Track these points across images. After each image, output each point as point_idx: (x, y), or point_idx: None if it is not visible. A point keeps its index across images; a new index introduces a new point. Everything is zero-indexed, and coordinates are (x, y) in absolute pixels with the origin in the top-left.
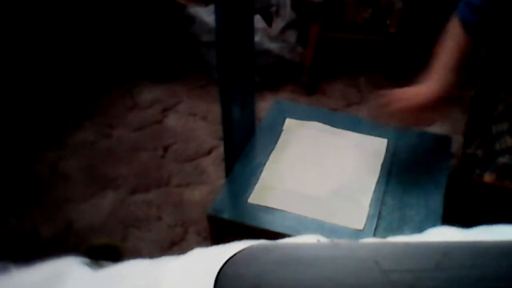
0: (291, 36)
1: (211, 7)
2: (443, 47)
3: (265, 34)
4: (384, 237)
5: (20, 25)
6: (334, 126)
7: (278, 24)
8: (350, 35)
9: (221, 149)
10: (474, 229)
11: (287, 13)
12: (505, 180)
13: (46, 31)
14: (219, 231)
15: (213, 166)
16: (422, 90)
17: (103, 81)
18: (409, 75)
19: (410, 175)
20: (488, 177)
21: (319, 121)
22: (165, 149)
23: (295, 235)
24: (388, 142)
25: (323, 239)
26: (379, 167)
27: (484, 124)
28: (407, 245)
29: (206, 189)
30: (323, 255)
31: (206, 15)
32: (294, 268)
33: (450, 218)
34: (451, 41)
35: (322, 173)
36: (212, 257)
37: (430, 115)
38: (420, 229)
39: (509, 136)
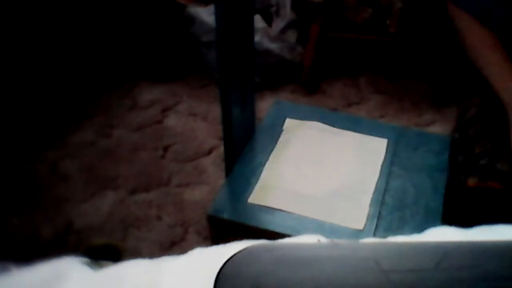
0: (291, 36)
1: (211, 7)
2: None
3: (265, 34)
4: (384, 237)
5: (20, 25)
6: (334, 126)
7: (278, 24)
8: (350, 35)
9: (221, 149)
10: (474, 229)
11: (287, 13)
12: (487, 181)
13: (46, 31)
14: (219, 231)
15: (213, 166)
16: None
17: (103, 81)
18: (409, 75)
19: (410, 175)
20: (471, 181)
21: (319, 121)
22: (165, 149)
23: (295, 235)
24: (388, 142)
25: (323, 239)
26: (379, 167)
27: (461, 129)
28: (407, 245)
29: (206, 189)
30: (323, 255)
31: (206, 15)
32: (294, 268)
33: (449, 220)
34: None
35: (322, 173)
36: (212, 257)
37: None
38: (420, 229)
39: (487, 138)
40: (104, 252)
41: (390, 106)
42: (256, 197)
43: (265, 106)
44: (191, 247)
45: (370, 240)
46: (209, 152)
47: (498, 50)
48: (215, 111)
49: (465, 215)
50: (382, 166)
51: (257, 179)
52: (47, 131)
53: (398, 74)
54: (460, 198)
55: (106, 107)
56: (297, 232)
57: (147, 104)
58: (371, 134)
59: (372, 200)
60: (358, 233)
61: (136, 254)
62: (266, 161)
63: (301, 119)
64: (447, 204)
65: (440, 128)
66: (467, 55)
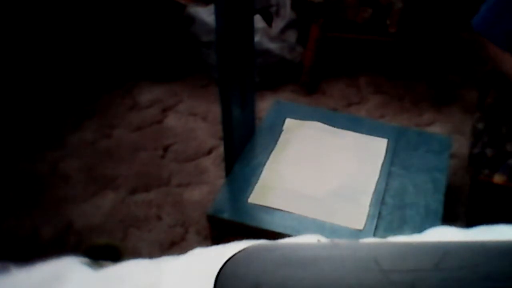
0: (291, 36)
1: (211, 7)
2: None
3: (265, 34)
4: (384, 237)
5: (20, 25)
6: (334, 126)
7: (278, 24)
8: (350, 35)
9: (221, 149)
10: (474, 229)
11: (287, 13)
12: None
13: (46, 31)
14: (219, 231)
15: (213, 166)
16: None
17: (103, 81)
18: (409, 75)
19: (410, 175)
20: (498, 178)
21: (319, 121)
22: (165, 149)
23: (295, 235)
24: (388, 142)
25: (323, 239)
26: (379, 167)
27: (493, 124)
28: (407, 245)
29: (206, 189)
30: (323, 255)
31: (206, 15)
32: (294, 268)
33: (452, 218)
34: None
35: (322, 173)
36: (212, 257)
37: None
38: (420, 229)
39: None
40: (104, 252)
41: (390, 106)
42: (256, 197)
43: (265, 106)
44: (191, 247)
45: (370, 240)
46: (209, 152)
47: None
48: (215, 111)
49: (478, 210)
50: (382, 166)
51: (257, 179)
52: (47, 131)
53: (398, 74)
54: (477, 192)
55: (106, 107)
56: (297, 232)
57: (147, 104)
58: (371, 134)
59: (372, 200)
60: (358, 233)
61: (136, 254)
62: (266, 161)
63: (301, 119)
64: (457, 196)
65: (440, 128)
66: None
